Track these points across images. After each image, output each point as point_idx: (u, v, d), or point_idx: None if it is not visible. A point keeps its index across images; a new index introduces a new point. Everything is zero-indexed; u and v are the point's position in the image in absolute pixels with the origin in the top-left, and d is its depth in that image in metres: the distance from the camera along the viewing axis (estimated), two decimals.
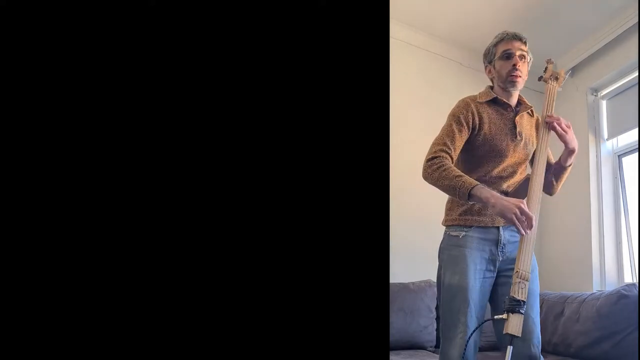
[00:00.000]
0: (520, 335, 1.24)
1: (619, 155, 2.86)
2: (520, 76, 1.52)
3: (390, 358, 2.14)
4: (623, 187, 2.83)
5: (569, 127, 1.48)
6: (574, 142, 1.50)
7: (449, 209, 1.55)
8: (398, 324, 2.37)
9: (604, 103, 2.96)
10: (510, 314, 1.24)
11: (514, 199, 1.33)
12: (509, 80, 1.52)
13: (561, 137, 1.48)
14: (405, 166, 2.53)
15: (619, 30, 2.65)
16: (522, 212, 1.29)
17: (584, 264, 2.82)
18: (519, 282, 1.27)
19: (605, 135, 2.92)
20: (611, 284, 2.71)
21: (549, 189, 1.62)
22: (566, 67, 3.04)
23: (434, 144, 1.49)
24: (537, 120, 1.61)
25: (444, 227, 1.56)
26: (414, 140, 2.47)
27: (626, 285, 2.16)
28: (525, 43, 1.54)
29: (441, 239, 1.56)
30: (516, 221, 1.29)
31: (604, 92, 2.93)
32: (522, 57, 1.53)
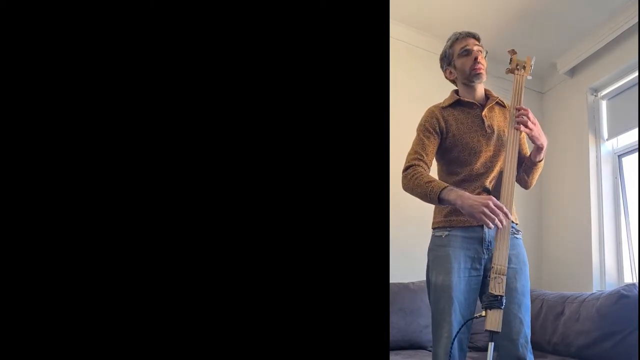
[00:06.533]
0: (499, 330, 1.23)
1: (619, 156, 2.86)
2: (483, 67, 1.54)
3: (390, 358, 2.14)
4: (623, 187, 2.83)
5: (535, 124, 1.45)
6: (542, 138, 1.48)
7: (436, 212, 1.56)
8: (398, 324, 2.37)
9: (604, 103, 2.96)
10: (488, 311, 1.25)
11: (481, 197, 1.33)
12: (473, 73, 1.53)
13: (528, 135, 1.46)
14: None
15: (619, 30, 2.65)
16: (490, 208, 1.28)
17: (584, 264, 2.82)
18: (496, 277, 1.28)
19: (605, 135, 2.91)
20: (611, 284, 2.71)
21: (522, 184, 1.61)
22: (566, 67, 3.05)
23: (408, 155, 1.52)
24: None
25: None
26: None
27: (626, 285, 2.16)
28: (479, 40, 1.56)
29: None
30: (485, 218, 1.29)
31: (604, 92, 2.93)
32: (479, 52, 1.55)
